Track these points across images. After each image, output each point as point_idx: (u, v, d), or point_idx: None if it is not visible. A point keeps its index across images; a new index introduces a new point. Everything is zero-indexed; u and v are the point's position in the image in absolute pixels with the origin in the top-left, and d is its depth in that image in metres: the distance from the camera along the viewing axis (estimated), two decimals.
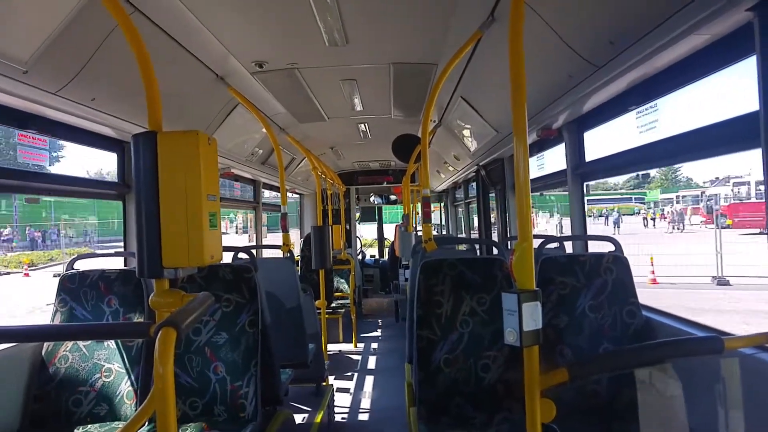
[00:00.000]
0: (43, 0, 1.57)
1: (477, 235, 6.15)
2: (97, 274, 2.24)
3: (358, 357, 5.26)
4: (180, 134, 1.33)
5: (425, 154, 2.71)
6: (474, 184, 5.61)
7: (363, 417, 3.69)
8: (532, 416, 1.08)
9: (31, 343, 2.07)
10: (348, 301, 6.06)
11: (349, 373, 4.69)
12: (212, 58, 2.63)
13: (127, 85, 2.14)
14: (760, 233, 16.49)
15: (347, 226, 8.02)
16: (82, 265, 2.39)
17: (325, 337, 4.13)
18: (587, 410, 2.04)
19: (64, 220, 23.38)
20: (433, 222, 4.18)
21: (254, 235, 5.90)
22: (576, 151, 2.80)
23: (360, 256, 8.62)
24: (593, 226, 21.43)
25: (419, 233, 4.92)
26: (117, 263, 2.70)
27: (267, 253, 4.75)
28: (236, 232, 24.92)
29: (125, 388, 2.11)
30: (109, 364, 2.14)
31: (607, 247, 2.31)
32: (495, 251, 3.65)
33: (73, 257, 2.44)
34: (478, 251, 5.32)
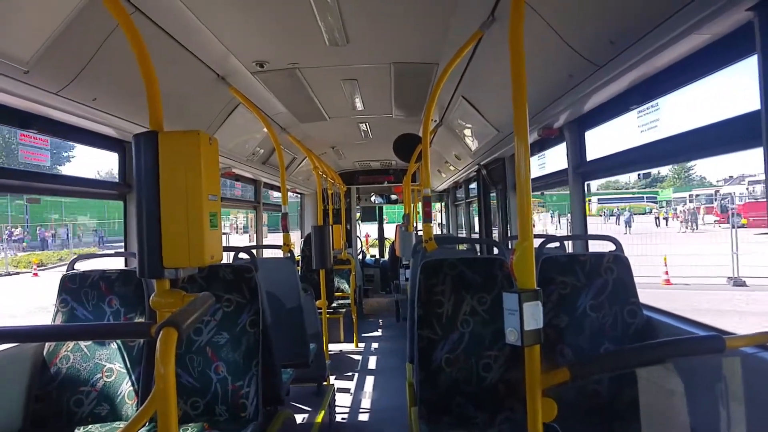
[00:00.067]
0: (44, 0, 1.57)
1: (478, 235, 6.15)
2: (98, 275, 2.24)
3: (359, 357, 5.26)
4: (181, 134, 1.33)
5: (426, 154, 2.71)
6: (475, 183, 5.61)
7: (364, 417, 3.69)
8: (534, 416, 1.08)
9: (33, 344, 2.07)
10: (349, 300, 6.07)
11: (350, 373, 4.69)
12: (213, 58, 2.63)
13: (128, 84, 2.14)
14: None
15: (348, 226, 8.03)
16: (84, 266, 2.39)
17: (326, 336, 4.13)
18: (588, 410, 2.04)
19: (69, 220, 23.56)
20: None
21: (254, 234, 5.90)
22: (577, 150, 2.80)
23: (360, 256, 8.62)
24: (605, 226, 21.19)
25: (420, 233, 4.92)
26: (118, 263, 2.71)
27: (267, 253, 4.75)
28: (237, 233, 24.97)
29: (126, 388, 2.12)
30: (110, 364, 2.15)
31: (608, 247, 2.31)
32: (496, 251, 3.66)
33: (74, 257, 2.44)
34: (478, 251, 5.32)
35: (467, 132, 4.26)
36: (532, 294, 1.11)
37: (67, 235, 22.22)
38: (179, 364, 2.12)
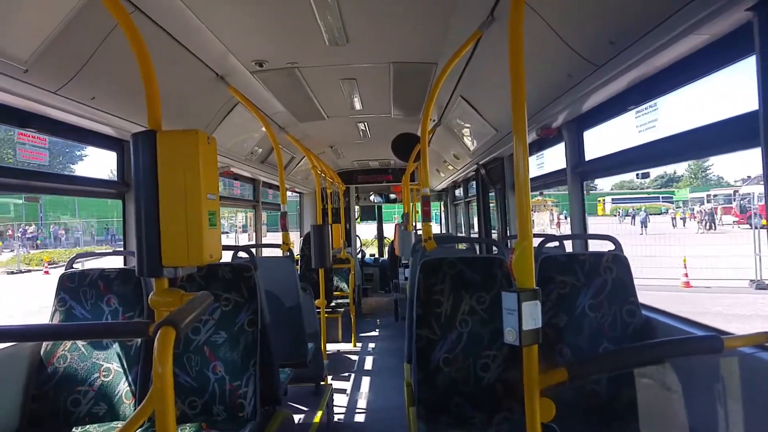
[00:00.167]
0: None
1: (477, 234, 6.16)
2: (97, 273, 2.23)
3: (357, 357, 5.26)
4: (179, 133, 1.33)
5: (425, 153, 2.71)
6: (474, 183, 5.61)
7: (362, 417, 3.69)
8: (532, 416, 1.08)
9: (30, 343, 2.07)
10: (347, 300, 6.06)
11: (348, 373, 4.69)
12: (212, 57, 2.63)
13: (126, 84, 2.14)
14: None
15: (347, 225, 8.03)
16: (87, 264, 2.39)
17: (324, 336, 4.12)
18: (587, 410, 2.04)
19: (83, 218, 23.70)
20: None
21: (253, 234, 5.90)
22: (576, 150, 2.80)
23: (360, 255, 8.62)
24: (620, 226, 20.88)
25: (419, 232, 4.92)
26: (118, 263, 2.70)
27: (266, 252, 4.75)
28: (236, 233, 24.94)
29: (124, 387, 2.11)
30: (108, 363, 2.14)
31: (608, 247, 2.31)
32: (495, 250, 3.65)
33: (72, 256, 2.44)
34: (477, 250, 5.33)
35: (466, 132, 4.26)
36: (531, 293, 1.11)
37: (80, 233, 22.34)
38: (177, 364, 2.11)
